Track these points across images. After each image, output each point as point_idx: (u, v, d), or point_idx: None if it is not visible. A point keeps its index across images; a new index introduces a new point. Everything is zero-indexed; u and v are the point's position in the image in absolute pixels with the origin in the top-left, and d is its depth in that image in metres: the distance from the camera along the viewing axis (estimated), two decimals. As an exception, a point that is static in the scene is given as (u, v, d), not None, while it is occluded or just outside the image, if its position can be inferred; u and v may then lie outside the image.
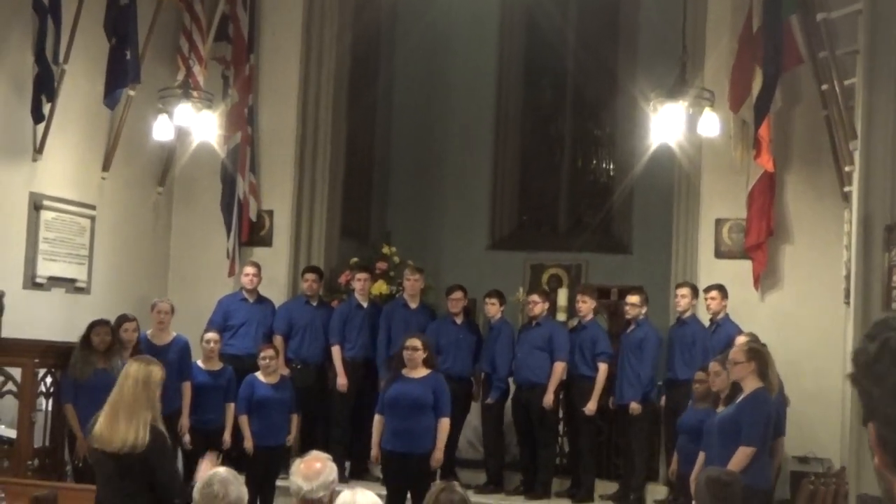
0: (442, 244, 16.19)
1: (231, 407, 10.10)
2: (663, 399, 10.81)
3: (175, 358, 10.02)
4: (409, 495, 9.15)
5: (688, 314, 10.78)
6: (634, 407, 10.62)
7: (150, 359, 6.58)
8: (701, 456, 8.35)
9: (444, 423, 9.27)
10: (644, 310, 10.93)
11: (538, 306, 11.02)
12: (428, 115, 16.49)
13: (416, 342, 9.28)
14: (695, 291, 10.86)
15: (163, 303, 10.42)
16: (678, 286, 11.06)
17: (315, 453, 5.38)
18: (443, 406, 9.25)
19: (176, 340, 10.25)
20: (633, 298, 10.95)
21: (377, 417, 9.38)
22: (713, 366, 8.54)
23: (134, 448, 5.94)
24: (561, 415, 11.46)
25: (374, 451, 9.41)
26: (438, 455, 9.21)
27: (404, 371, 9.25)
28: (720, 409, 8.23)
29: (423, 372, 9.22)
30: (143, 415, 6.03)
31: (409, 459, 9.10)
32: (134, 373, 6.15)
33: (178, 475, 6.69)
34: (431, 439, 9.16)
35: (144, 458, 5.98)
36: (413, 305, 11.39)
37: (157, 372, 6.23)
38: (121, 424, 5.98)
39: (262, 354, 10.04)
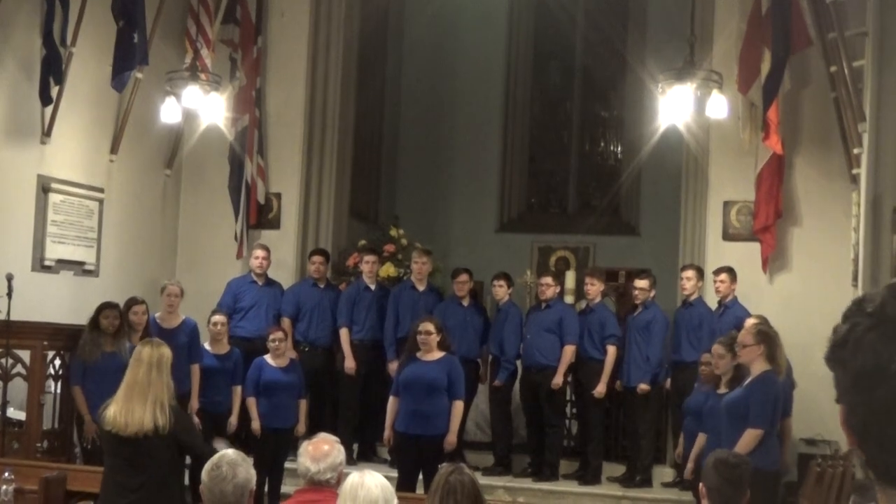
0: (450, 226, 16.21)
1: (238, 390, 10.11)
2: (668, 381, 10.82)
3: (185, 341, 10.04)
4: (420, 477, 9.18)
5: (694, 297, 10.78)
6: (643, 388, 10.62)
7: (158, 341, 6.62)
8: (701, 437, 8.37)
9: (458, 406, 9.28)
10: (652, 293, 10.93)
11: (550, 289, 11.01)
12: (437, 97, 16.50)
13: (430, 326, 9.27)
14: (700, 274, 10.85)
15: (172, 285, 10.43)
16: (683, 269, 11.06)
17: (323, 435, 5.39)
18: (457, 389, 9.26)
19: (185, 323, 10.27)
20: (641, 283, 10.94)
21: (391, 399, 9.39)
22: (716, 348, 8.54)
23: (155, 431, 6.00)
24: (569, 397, 11.48)
25: (387, 433, 9.42)
26: (452, 438, 9.22)
27: (418, 354, 9.26)
28: (721, 390, 8.24)
29: (437, 354, 9.23)
30: (160, 397, 6.09)
31: (422, 441, 9.12)
32: (147, 356, 6.19)
33: (205, 444, 6.80)
34: (445, 421, 9.16)
35: (172, 438, 6.09)
36: (421, 288, 11.39)
37: (167, 353, 6.30)
38: (136, 409, 6.03)
39: (270, 337, 10.05)
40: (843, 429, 1.57)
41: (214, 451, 5.87)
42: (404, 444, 9.28)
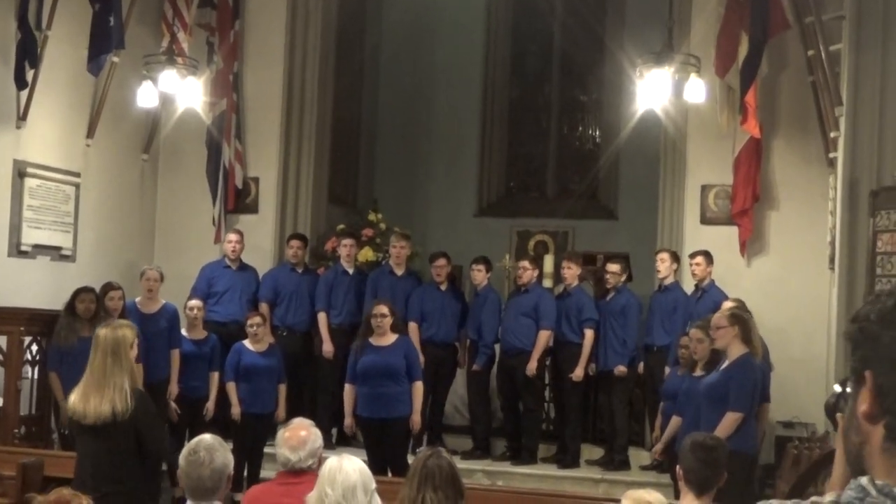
0: (429, 211, 16.20)
1: (215, 376, 10.10)
2: (641, 364, 10.84)
3: (164, 326, 10.03)
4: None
5: (669, 280, 10.80)
6: (621, 370, 10.64)
7: (119, 322, 6.56)
8: (675, 419, 8.40)
9: (419, 387, 9.35)
10: (624, 277, 10.97)
11: (527, 273, 11.02)
12: (415, 81, 16.46)
13: (384, 308, 9.27)
14: (675, 257, 10.88)
15: (152, 270, 10.39)
16: (658, 252, 11.08)
17: (298, 421, 5.39)
18: (415, 370, 9.32)
19: (165, 308, 10.23)
20: (613, 267, 10.98)
21: (348, 387, 9.41)
22: (694, 332, 8.56)
23: (114, 417, 5.94)
24: (547, 381, 11.50)
25: (348, 421, 9.45)
26: (417, 418, 9.30)
27: (372, 339, 9.26)
28: (698, 373, 8.27)
29: (391, 338, 9.25)
30: (119, 382, 6.01)
31: (387, 424, 9.15)
32: (102, 342, 6.12)
33: (164, 437, 6.70)
34: (407, 404, 9.20)
35: (131, 424, 6.00)
36: (399, 272, 11.37)
37: (126, 334, 6.20)
38: (92, 398, 5.98)
39: (249, 322, 10.02)
40: (869, 394, 1.63)
41: (168, 452, 5.76)
42: (369, 428, 9.31)
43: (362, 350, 9.31)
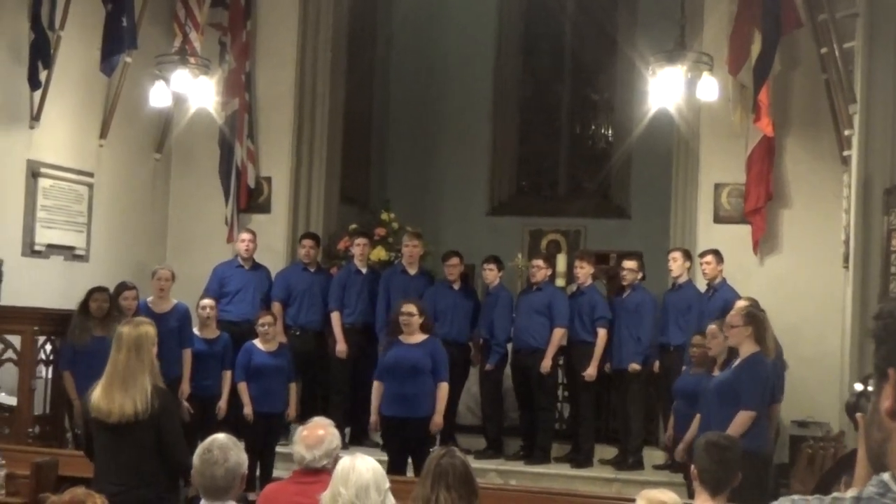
0: (441, 210, 16.19)
1: (228, 374, 10.10)
2: (657, 364, 10.81)
3: (176, 325, 10.02)
4: (409, 460, 9.20)
5: (682, 279, 10.78)
6: (635, 367, 10.62)
7: (140, 319, 6.53)
8: (696, 419, 8.37)
9: (444, 388, 9.31)
10: (640, 275, 10.94)
11: (541, 271, 11.01)
12: (426, 79, 16.46)
13: (412, 307, 9.28)
14: (687, 256, 10.85)
15: (163, 270, 10.39)
16: (670, 251, 11.06)
17: (317, 420, 5.38)
18: (441, 371, 9.28)
19: (177, 307, 10.24)
20: (629, 264, 10.96)
21: (376, 383, 9.40)
22: (711, 329, 8.51)
23: (136, 415, 5.92)
24: (561, 380, 11.48)
25: (374, 417, 9.46)
26: (438, 419, 9.26)
27: (401, 337, 9.27)
28: (716, 373, 8.23)
29: (420, 337, 9.25)
30: (141, 380, 5.97)
31: (408, 424, 9.14)
32: (126, 339, 6.08)
33: (182, 437, 6.60)
34: (430, 404, 9.20)
35: (152, 421, 5.96)
36: (412, 271, 11.37)
37: (149, 331, 6.16)
38: (116, 396, 5.94)
39: (260, 321, 10.02)
40: (893, 390, 1.62)
41: (187, 456, 5.61)
42: (390, 427, 9.31)
43: (389, 346, 9.34)
